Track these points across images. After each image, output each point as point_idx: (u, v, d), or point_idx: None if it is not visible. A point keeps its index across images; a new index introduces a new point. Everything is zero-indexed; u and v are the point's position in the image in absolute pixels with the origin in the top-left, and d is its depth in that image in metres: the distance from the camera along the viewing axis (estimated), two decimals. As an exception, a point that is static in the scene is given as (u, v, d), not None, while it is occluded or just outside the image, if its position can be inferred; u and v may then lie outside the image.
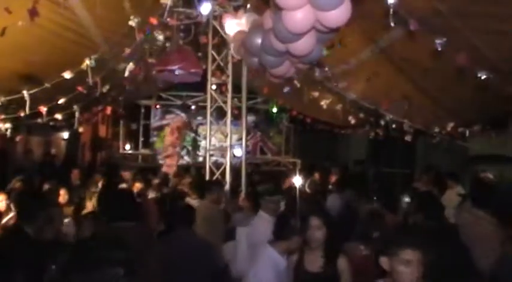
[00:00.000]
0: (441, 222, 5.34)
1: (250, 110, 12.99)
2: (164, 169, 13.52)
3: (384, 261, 3.21)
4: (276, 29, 4.65)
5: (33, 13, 5.26)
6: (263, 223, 5.56)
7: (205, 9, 7.01)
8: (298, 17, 4.17)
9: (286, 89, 9.77)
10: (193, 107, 18.00)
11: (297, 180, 7.48)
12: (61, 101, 8.51)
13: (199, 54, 9.97)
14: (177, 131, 15.53)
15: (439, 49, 5.55)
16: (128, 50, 7.64)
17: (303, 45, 4.78)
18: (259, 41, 5.39)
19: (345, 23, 4.29)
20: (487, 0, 5.37)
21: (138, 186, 8.93)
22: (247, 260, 5.86)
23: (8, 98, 7.11)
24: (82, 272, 2.33)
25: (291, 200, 6.24)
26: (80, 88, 8.05)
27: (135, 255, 2.51)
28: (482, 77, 5.98)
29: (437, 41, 5.52)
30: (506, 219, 5.46)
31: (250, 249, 5.73)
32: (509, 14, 5.49)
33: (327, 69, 9.00)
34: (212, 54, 9.87)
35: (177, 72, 8.30)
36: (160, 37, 8.44)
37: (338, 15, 4.11)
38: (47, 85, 7.04)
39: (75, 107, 9.54)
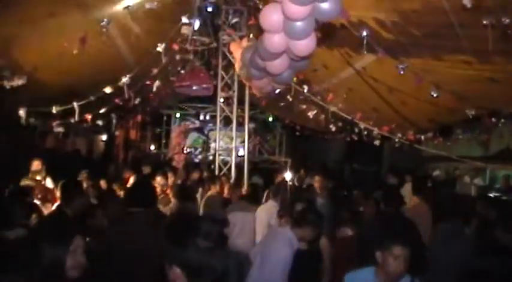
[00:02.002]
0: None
1: (251, 118, 13.00)
2: (174, 164, 13.56)
3: (378, 255, 3.14)
4: (259, 47, 4.75)
5: (83, 41, 5.35)
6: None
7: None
8: (275, 39, 4.25)
9: (281, 104, 9.82)
10: (207, 117, 18.04)
11: (288, 176, 7.57)
12: (102, 110, 8.59)
13: (211, 72, 10.03)
14: (182, 134, 15.76)
15: (401, 72, 5.63)
16: (155, 70, 7.71)
17: (276, 66, 4.86)
18: (248, 55, 5.50)
19: (310, 53, 4.33)
20: (439, 35, 5.47)
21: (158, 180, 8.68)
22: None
23: (62, 108, 7.16)
24: None
25: (284, 190, 6.32)
26: (117, 100, 8.11)
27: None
28: (434, 95, 6.07)
29: (400, 66, 5.60)
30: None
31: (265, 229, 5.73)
32: (451, 47, 5.62)
33: (313, 86, 9.08)
34: (221, 74, 9.95)
35: (194, 88, 8.41)
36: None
37: (305, 44, 4.17)
38: (91, 98, 7.11)
39: (112, 115, 9.58)
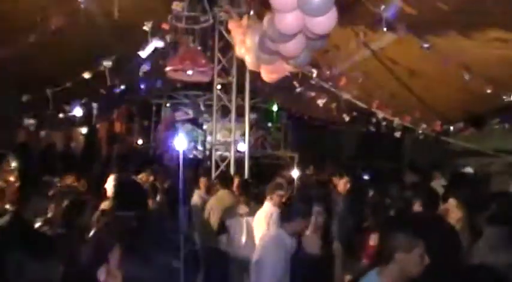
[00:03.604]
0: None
1: (252, 108, 12.96)
2: (166, 161, 13.47)
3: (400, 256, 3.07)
4: (269, 29, 4.66)
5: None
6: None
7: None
8: (289, 19, 4.17)
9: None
10: (202, 106, 17.95)
11: (295, 173, 7.53)
12: (81, 99, 8.51)
13: (208, 53, 9.94)
14: (170, 125, 15.53)
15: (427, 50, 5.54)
16: (142, 52, 7.62)
17: (291, 48, 4.78)
18: (256, 38, 5.42)
19: (330, 30, 4.27)
20: (470, 10, 5.37)
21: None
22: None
23: (32, 96, 7.08)
24: None
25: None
26: (98, 89, 8.04)
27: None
28: (466, 78, 5.98)
29: (424, 45, 5.52)
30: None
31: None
32: (484, 24, 5.51)
33: (324, 70, 8.99)
34: (218, 57, 9.85)
35: (189, 72, 8.27)
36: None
37: (324, 22, 4.09)
38: (68, 85, 7.03)
39: (93, 104, 9.51)
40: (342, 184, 7.87)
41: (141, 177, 7.77)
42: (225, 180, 7.84)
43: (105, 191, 6.02)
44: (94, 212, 4.67)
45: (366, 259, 4.79)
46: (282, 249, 4.19)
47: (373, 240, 4.93)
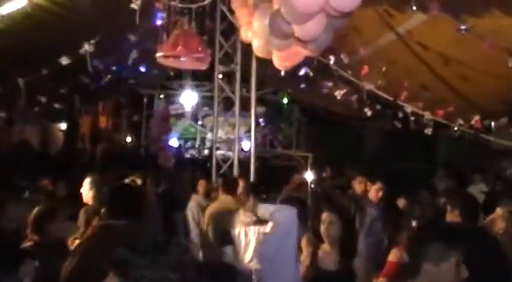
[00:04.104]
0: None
1: (259, 101, 12.92)
2: (160, 162, 13.44)
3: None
4: (283, 9, 4.60)
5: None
6: None
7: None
8: None
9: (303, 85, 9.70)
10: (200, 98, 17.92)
11: (309, 176, 7.49)
12: (60, 90, 8.51)
13: (205, 37, 9.91)
14: (166, 121, 15.50)
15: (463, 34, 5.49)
16: (130, 36, 7.61)
17: (310, 29, 4.73)
18: (266, 21, 5.34)
19: (357, 6, 4.23)
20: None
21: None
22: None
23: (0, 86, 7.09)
24: None
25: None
26: (80, 77, 8.03)
27: None
28: (510, 65, 5.92)
29: (462, 27, 5.46)
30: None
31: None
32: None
33: (342, 56, 8.96)
34: (219, 41, 9.81)
35: (183, 59, 8.24)
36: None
37: None
38: (44, 72, 7.01)
39: (75, 96, 9.52)
40: (374, 191, 7.80)
41: (131, 181, 7.79)
42: (227, 183, 7.79)
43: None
44: (68, 220, 4.65)
45: (383, 277, 4.73)
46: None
47: (393, 255, 4.88)
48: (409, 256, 3.12)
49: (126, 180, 7.00)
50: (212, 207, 7.38)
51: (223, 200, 7.38)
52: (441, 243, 2.96)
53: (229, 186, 7.58)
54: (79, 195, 6.24)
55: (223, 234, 6.69)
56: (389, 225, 6.51)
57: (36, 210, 4.40)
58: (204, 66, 8.78)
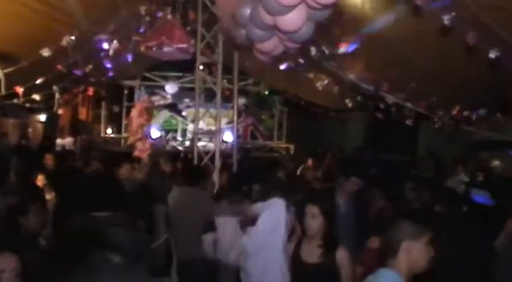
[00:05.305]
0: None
1: (240, 92, 12.88)
2: (136, 154, 13.31)
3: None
4: None
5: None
6: None
7: None
8: None
9: (283, 66, 9.64)
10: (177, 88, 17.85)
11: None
12: (39, 80, 8.43)
13: (188, 28, 9.85)
14: (145, 112, 15.37)
15: (446, 25, 5.51)
16: (111, 27, 7.57)
17: (291, 20, 4.74)
18: (248, 11, 5.33)
19: None
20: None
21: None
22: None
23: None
24: None
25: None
26: (59, 67, 7.96)
27: None
28: (492, 56, 5.95)
29: (445, 17, 5.49)
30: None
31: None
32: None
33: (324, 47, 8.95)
34: (201, 32, 9.77)
35: (165, 49, 8.22)
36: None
37: None
38: (24, 64, 6.96)
39: (54, 87, 9.44)
40: (349, 184, 7.79)
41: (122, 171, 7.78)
42: (190, 175, 7.49)
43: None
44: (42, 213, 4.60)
45: (362, 265, 4.75)
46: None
47: (373, 242, 4.91)
48: (388, 238, 3.18)
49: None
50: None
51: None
52: (416, 221, 3.11)
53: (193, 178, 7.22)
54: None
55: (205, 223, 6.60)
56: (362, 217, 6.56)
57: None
58: (187, 57, 8.79)
